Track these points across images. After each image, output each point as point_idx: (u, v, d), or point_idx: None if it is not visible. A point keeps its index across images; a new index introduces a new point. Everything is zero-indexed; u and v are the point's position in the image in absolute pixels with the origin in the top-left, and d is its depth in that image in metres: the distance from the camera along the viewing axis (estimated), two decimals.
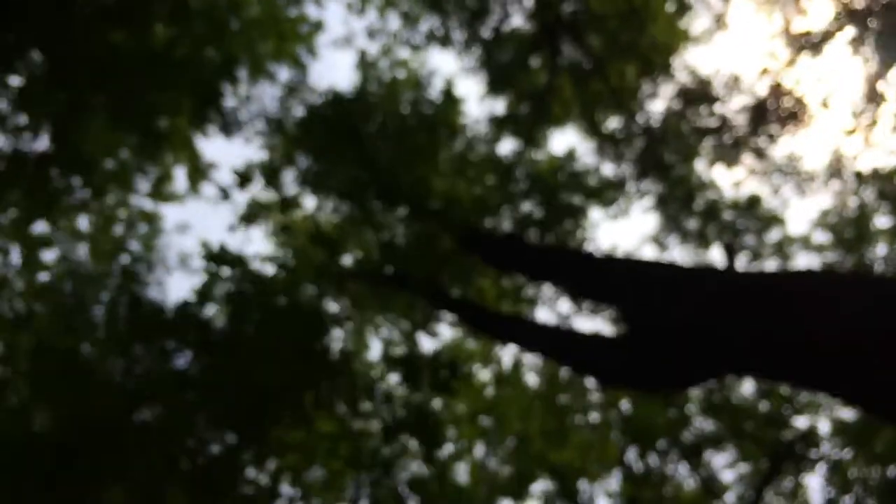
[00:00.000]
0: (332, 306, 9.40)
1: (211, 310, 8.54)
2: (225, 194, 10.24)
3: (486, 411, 9.50)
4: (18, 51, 6.51)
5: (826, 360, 3.52)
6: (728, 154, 10.87)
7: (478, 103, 11.05)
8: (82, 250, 10.09)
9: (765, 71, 11.37)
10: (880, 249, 11.15)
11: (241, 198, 10.98)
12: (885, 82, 12.13)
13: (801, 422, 9.46)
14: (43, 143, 8.25)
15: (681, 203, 10.77)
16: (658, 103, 10.07)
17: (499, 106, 10.98)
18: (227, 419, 6.68)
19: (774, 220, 11.65)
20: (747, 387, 10.27)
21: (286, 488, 7.32)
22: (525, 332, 5.15)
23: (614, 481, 9.47)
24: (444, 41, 9.93)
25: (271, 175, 10.10)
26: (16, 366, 7.40)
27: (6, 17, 6.56)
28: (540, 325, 5.21)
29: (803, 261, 12.25)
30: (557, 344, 4.89)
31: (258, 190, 10.77)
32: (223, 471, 6.60)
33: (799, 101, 11.64)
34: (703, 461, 9.19)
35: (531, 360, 9.50)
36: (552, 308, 8.96)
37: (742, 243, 11.54)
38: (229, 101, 8.70)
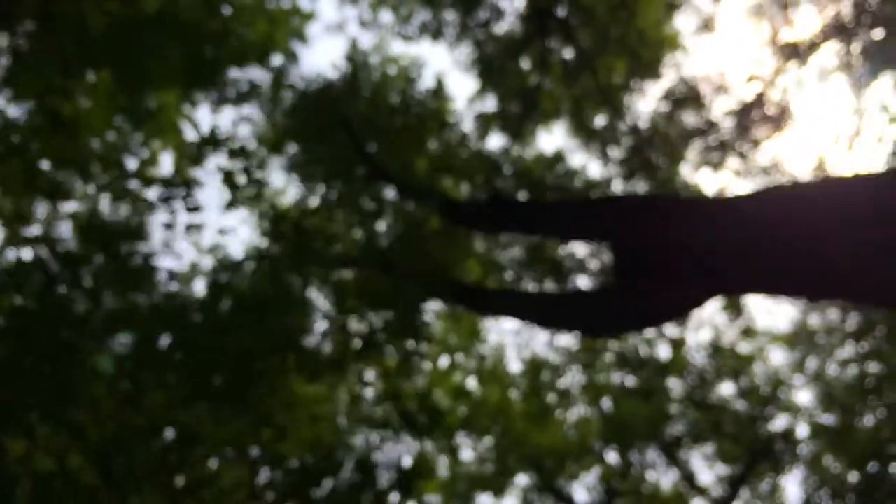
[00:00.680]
0: (317, 296, 9.38)
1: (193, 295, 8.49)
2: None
3: (466, 402, 9.49)
4: (9, 19, 6.49)
5: (800, 265, 3.63)
6: (713, 157, 10.98)
7: (467, 99, 11.12)
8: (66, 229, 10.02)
9: (751, 77, 11.53)
10: None
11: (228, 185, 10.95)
12: (869, 93, 12.32)
13: (780, 422, 9.51)
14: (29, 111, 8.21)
15: None
16: (646, 104, 10.18)
17: (488, 103, 11.06)
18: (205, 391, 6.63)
19: None
20: (727, 387, 10.34)
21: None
22: (515, 302, 5.16)
23: (593, 476, 9.47)
24: (436, 34, 9.99)
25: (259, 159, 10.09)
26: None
27: None
28: (528, 293, 5.23)
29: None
30: (548, 306, 4.90)
31: (243, 176, 10.76)
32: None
33: (784, 109, 11.80)
34: (681, 457, 9.21)
35: (515, 349, 9.51)
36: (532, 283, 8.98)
37: None
38: (221, 77, 8.70)
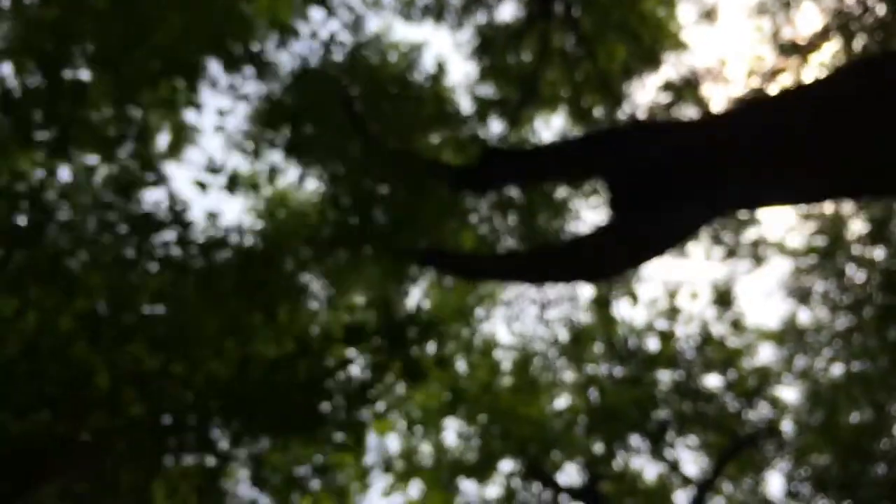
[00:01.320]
0: (311, 278, 9.38)
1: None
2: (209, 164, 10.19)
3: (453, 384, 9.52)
4: None
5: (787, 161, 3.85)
6: None
7: (467, 84, 11.10)
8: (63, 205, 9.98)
9: (751, 73, 11.55)
10: (854, 250, 11.33)
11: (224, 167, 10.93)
12: None
13: (765, 414, 9.57)
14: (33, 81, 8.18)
15: None
16: (645, 94, 10.19)
17: (487, 88, 11.04)
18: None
19: (751, 220, 11.81)
20: (714, 379, 10.39)
21: None
22: (507, 262, 5.16)
23: (577, 461, 9.51)
24: (438, 16, 9.98)
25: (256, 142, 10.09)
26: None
27: None
28: (518, 252, 5.23)
29: (777, 266, 12.42)
30: (541, 259, 4.91)
31: (240, 159, 10.76)
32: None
33: None
34: (666, 445, 9.26)
35: (505, 334, 9.51)
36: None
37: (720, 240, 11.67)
38: (223, 50, 8.66)
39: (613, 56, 9.16)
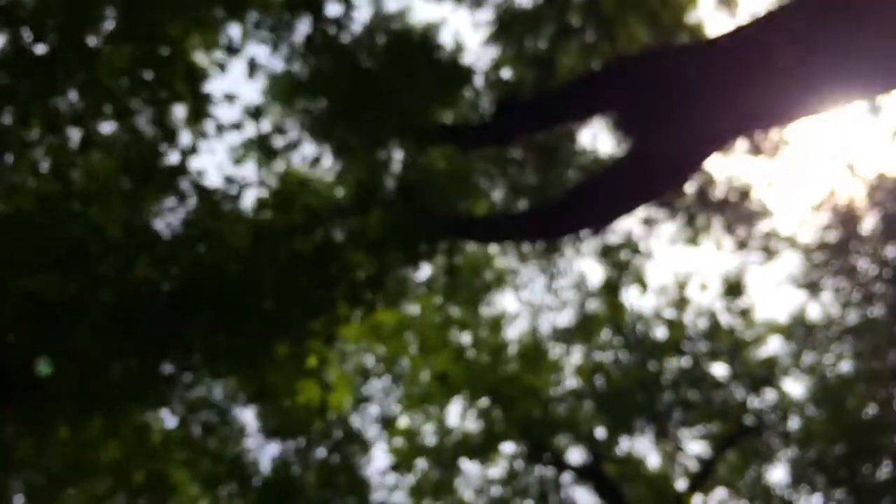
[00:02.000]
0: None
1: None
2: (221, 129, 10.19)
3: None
4: None
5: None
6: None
7: (484, 66, 11.07)
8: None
9: None
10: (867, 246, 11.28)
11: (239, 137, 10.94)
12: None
13: (771, 402, 9.56)
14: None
15: None
16: None
17: (505, 72, 11.01)
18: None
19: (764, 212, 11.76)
20: (719, 368, 10.39)
21: None
22: (513, 218, 5.17)
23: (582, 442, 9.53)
24: None
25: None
26: None
27: None
28: (541, 203, 5.24)
29: (787, 260, 12.38)
30: (547, 210, 4.91)
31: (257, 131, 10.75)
32: None
33: None
34: (670, 429, 9.27)
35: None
36: None
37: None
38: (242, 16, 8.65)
39: (633, 39, 9.13)
